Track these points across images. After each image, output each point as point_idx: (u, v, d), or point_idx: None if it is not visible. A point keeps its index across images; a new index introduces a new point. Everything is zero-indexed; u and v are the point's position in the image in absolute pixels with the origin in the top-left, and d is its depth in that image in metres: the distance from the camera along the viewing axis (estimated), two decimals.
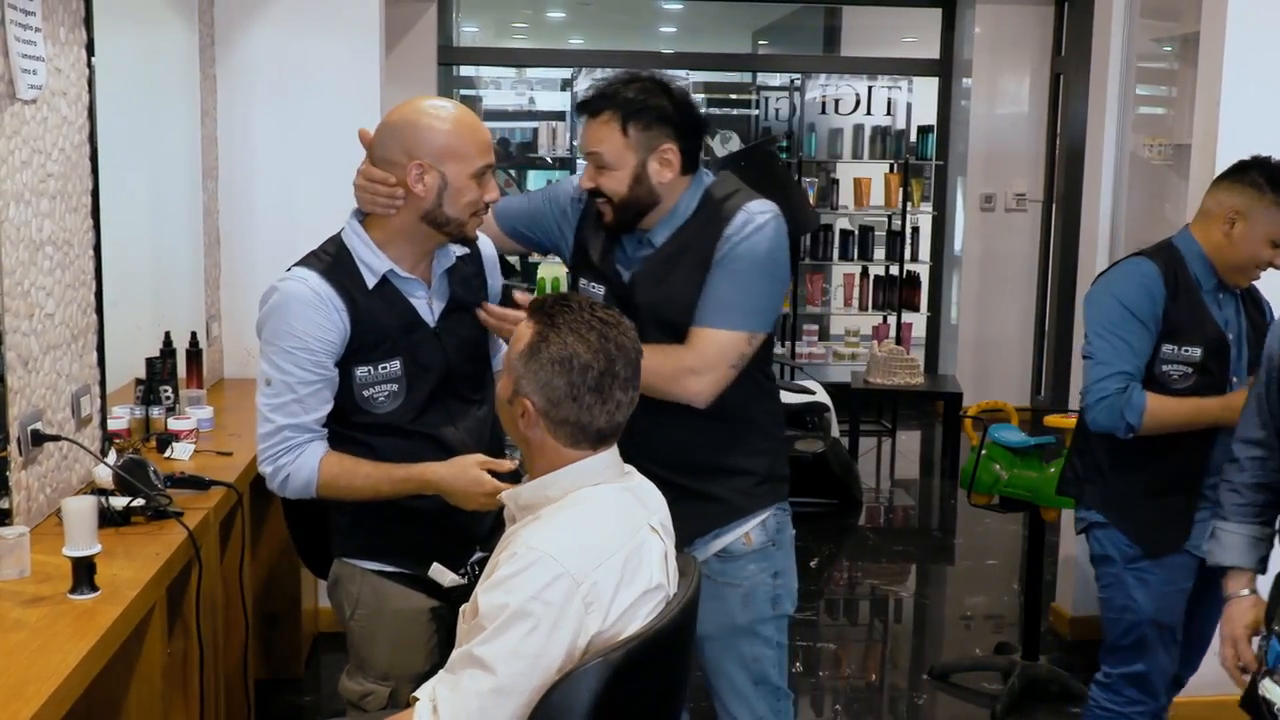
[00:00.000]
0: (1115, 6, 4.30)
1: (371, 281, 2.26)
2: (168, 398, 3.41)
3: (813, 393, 6.45)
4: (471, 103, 9.60)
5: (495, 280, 2.55)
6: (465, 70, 9.62)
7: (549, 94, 9.58)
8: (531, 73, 10.04)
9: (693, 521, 2.45)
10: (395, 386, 2.27)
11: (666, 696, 1.93)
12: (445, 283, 2.37)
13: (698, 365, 2.39)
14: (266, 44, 4.17)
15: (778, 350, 7.84)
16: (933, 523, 6.47)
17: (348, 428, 2.30)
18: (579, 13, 10.60)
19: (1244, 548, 2.42)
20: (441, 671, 1.80)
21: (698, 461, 2.50)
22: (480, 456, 2.20)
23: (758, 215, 2.42)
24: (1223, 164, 3.51)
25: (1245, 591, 2.39)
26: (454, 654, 1.78)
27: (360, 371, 2.25)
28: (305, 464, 2.25)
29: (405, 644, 2.34)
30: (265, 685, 3.67)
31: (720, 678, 2.60)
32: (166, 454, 3.14)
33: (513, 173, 8.94)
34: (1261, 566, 2.43)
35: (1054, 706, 4.02)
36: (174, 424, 3.29)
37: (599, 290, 2.52)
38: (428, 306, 2.33)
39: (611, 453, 1.94)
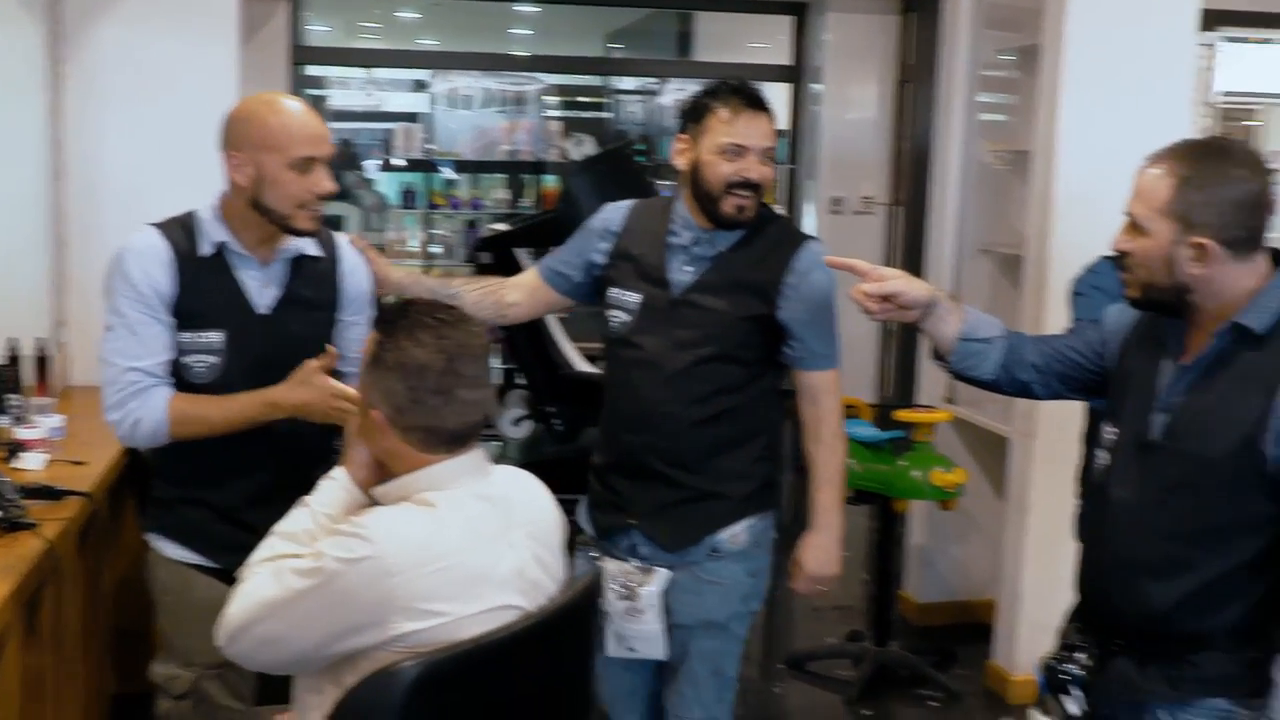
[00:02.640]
0: (961, 17, 4.47)
1: (206, 249, 2.35)
2: (15, 406, 3.31)
3: None
4: (316, 103, 9.42)
5: (358, 285, 2.55)
6: (313, 70, 9.42)
7: (401, 95, 9.42)
8: (381, 73, 9.86)
9: (698, 522, 2.58)
10: (215, 359, 2.35)
11: (513, 713, 1.88)
12: (285, 272, 2.41)
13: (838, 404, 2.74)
14: (120, 41, 4.06)
15: None
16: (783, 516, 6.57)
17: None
18: (431, 13, 10.49)
19: (984, 322, 2.32)
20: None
21: (720, 466, 2.58)
22: (314, 362, 2.26)
23: (818, 248, 2.63)
24: (1062, 170, 3.70)
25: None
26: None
27: (184, 337, 2.35)
28: (154, 405, 2.31)
29: (210, 633, 2.33)
30: (122, 700, 3.56)
31: (681, 664, 2.64)
32: (14, 464, 3.05)
33: (359, 174, 8.72)
34: (964, 342, 2.30)
35: (905, 690, 4.19)
36: (22, 433, 3.19)
37: (634, 299, 2.58)
38: (259, 289, 2.38)
39: (471, 456, 1.89)
